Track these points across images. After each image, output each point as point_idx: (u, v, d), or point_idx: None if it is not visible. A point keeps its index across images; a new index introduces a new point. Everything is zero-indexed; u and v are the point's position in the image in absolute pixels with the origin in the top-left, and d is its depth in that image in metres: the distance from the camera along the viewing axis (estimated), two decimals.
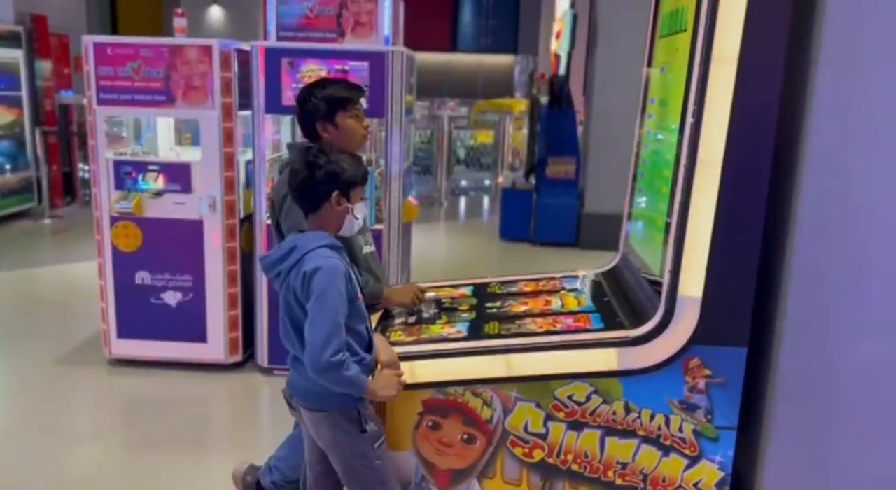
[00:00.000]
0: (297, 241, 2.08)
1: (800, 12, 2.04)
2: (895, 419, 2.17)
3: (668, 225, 2.24)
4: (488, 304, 2.67)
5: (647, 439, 2.26)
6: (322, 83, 2.57)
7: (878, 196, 2.06)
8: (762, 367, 2.26)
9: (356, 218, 2.13)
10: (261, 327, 4.27)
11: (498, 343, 2.28)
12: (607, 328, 2.33)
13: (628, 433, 2.26)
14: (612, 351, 2.22)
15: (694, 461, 2.27)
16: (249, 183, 4.32)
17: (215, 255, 4.21)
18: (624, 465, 2.28)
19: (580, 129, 7.97)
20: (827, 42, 2.00)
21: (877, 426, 2.18)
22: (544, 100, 7.60)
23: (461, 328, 2.44)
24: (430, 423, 2.31)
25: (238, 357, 4.38)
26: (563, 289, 2.79)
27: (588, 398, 2.25)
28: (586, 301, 2.61)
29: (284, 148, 2.67)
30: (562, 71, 7.96)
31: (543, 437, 2.29)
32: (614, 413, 2.26)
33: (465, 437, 2.32)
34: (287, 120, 4.51)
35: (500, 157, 10.42)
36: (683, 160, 2.12)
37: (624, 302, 2.50)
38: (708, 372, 2.23)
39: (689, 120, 2.10)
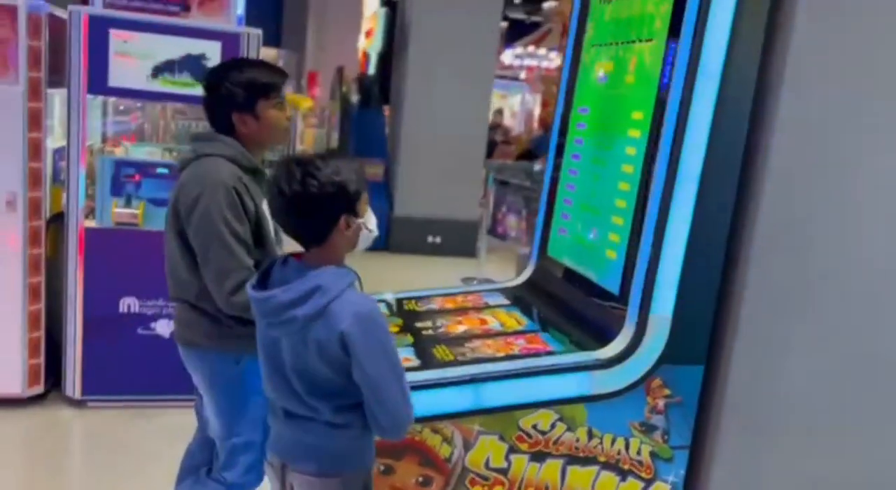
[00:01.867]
0: (319, 280, 1.62)
1: (770, 31, 2.05)
2: (833, 435, 2.28)
3: (631, 241, 2.16)
4: (419, 325, 2.40)
5: (606, 465, 2.16)
6: (237, 65, 2.13)
7: (832, 221, 2.15)
8: (713, 384, 2.25)
9: (370, 231, 1.74)
10: (73, 351, 3.54)
11: (463, 372, 2.04)
12: (568, 350, 2.19)
13: (589, 460, 2.14)
14: (582, 375, 2.08)
15: (649, 483, 2.21)
16: (57, 177, 3.58)
17: (12, 264, 3.41)
18: None
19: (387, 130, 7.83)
20: (790, 68, 2.03)
21: (817, 440, 2.28)
22: (355, 99, 7.33)
23: (408, 354, 2.15)
24: (381, 468, 2.01)
25: (39, 388, 3.60)
26: (488, 305, 2.60)
27: (553, 426, 2.10)
28: (524, 319, 2.45)
29: (189, 140, 2.17)
30: (371, 70, 7.75)
31: (505, 472, 2.09)
32: (577, 440, 2.12)
33: (421, 479, 2.05)
34: (97, 103, 3.81)
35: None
36: (658, 176, 2.04)
37: (568, 320, 2.38)
38: (668, 392, 2.18)
39: (666, 134, 2.03)
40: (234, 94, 2.06)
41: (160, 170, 3.51)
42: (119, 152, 3.84)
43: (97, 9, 3.36)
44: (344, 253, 1.73)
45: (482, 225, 6.57)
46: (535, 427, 2.08)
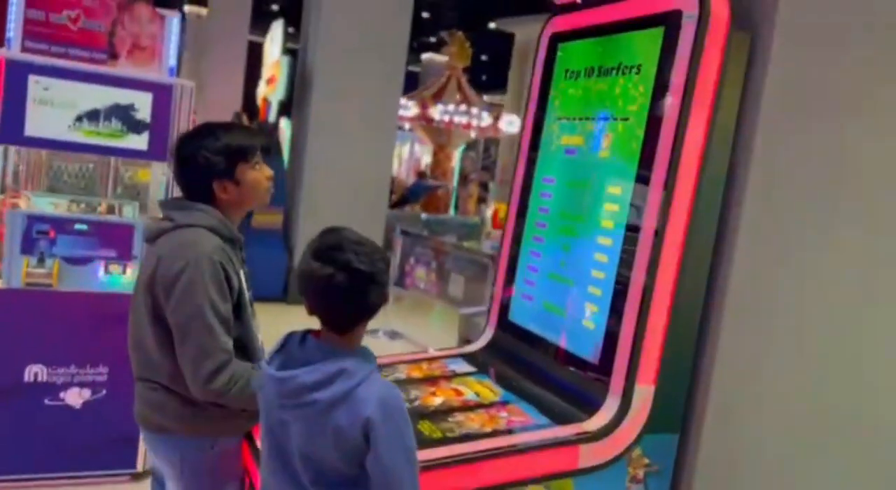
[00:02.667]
0: (344, 363, 1.54)
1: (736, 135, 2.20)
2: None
3: (611, 312, 2.21)
4: None
5: None
6: (211, 132, 2.01)
7: (791, 300, 2.30)
8: (686, 451, 2.32)
9: None
10: None
11: (457, 451, 1.98)
12: (551, 422, 2.19)
13: None
14: (573, 449, 2.09)
15: None
16: None
17: None
18: None
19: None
20: (753, 172, 2.18)
21: None
22: None
23: None
24: None
25: None
26: (456, 373, 2.56)
27: None
28: (498, 389, 2.43)
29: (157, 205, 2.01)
30: (272, 118, 7.58)
31: None
32: None
33: None
34: None
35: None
36: (642, 251, 2.11)
37: (544, 389, 2.38)
38: (647, 461, 2.22)
39: (650, 211, 2.11)
40: (212, 162, 1.94)
41: (78, 226, 3.24)
42: (22, 204, 3.53)
43: (15, 52, 3.10)
44: (360, 341, 1.66)
45: (389, 277, 6.50)
46: None
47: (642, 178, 2.16)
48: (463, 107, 10.69)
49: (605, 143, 2.34)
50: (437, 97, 10.64)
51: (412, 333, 6.45)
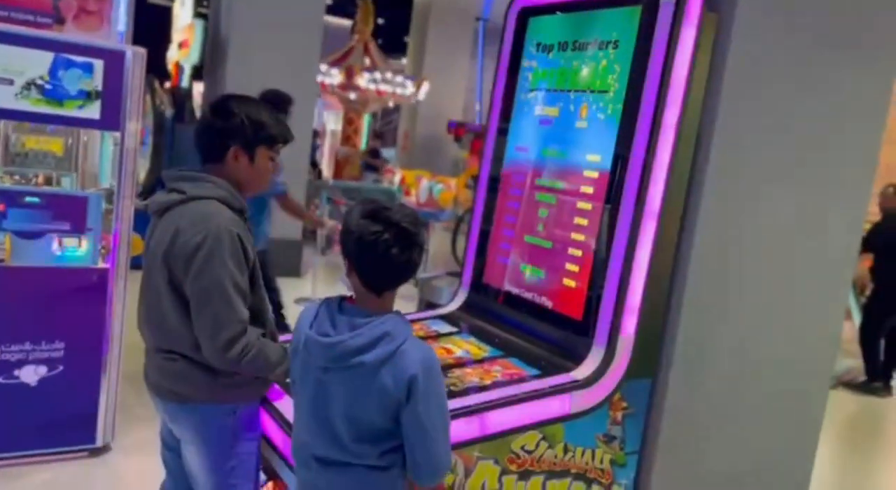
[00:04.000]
0: (387, 326, 1.63)
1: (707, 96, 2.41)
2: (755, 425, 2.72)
3: (593, 271, 2.40)
4: None
5: (576, 476, 2.37)
6: (255, 103, 2.04)
7: (749, 252, 2.57)
8: (657, 393, 2.56)
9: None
10: None
11: (465, 403, 2.13)
12: (542, 373, 2.37)
13: (564, 473, 2.34)
14: (564, 397, 2.28)
15: (608, 488, 2.46)
16: None
17: None
18: None
19: None
20: (719, 124, 2.41)
21: (740, 432, 2.70)
22: (169, 113, 6.89)
23: None
24: None
25: None
26: (440, 333, 2.70)
27: (537, 446, 2.27)
28: (484, 346, 2.58)
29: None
30: (185, 83, 7.32)
31: None
32: (555, 456, 2.31)
33: None
34: None
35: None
36: (625, 213, 2.31)
37: (529, 344, 2.56)
38: (625, 404, 2.45)
39: (632, 177, 2.30)
40: (244, 127, 1.97)
41: (29, 199, 3.13)
42: None
43: None
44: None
45: (318, 246, 6.53)
46: (523, 448, 2.23)
47: (623, 147, 2.34)
48: (389, 75, 10.63)
49: (583, 114, 2.51)
50: (344, 61, 10.51)
51: None
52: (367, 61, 10.88)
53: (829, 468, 4.09)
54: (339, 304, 1.74)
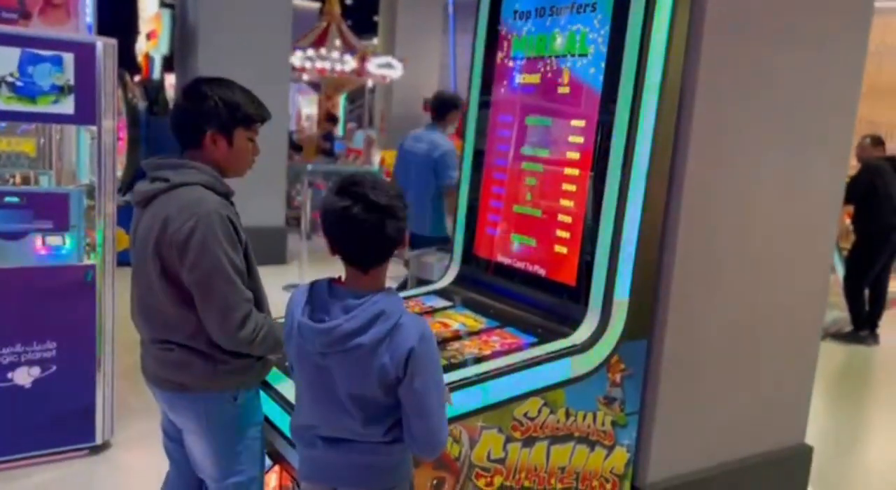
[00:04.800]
0: (380, 305, 1.61)
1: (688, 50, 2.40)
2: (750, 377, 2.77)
3: (584, 237, 2.41)
4: None
5: (579, 440, 2.40)
6: (228, 85, 2.00)
7: (733, 219, 2.58)
8: (654, 353, 2.58)
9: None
10: None
11: (467, 374, 2.14)
12: (540, 341, 2.38)
13: (567, 438, 2.37)
14: (564, 361, 2.29)
15: (611, 450, 2.50)
16: None
17: None
18: (563, 469, 2.38)
19: None
20: (701, 84, 2.41)
21: (737, 385, 2.74)
22: (143, 106, 6.79)
23: None
24: None
25: None
26: (435, 308, 2.70)
27: (539, 412, 2.29)
28: (480, 318, 2.59)
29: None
30: (156, 74, 7.20)
31: (503, 461, 2.24)
32: (558, 421, 2.33)
33: (435, 482, 2.12)
34: None
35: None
36: (612, 178, 2.31)
37: (523, 312, 2.57)
38: (623, 366, 2.47)
39: (617, 141, 2.30)
40: (218, 110, 1.94)
41: (9, 199, 3.08)
42: None
43: None
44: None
45: (302, 231, 6.49)
46: (525, 415, 2.25)
47: (607, 110, 2.34)
48: (387, 58, 10.58)
49: (565, 80, 2.50)
50: (319, 45, 10.40)
51: None
52: (340, 43, 10.76)
53: (823, 417, 4.16)
54: (328, 287, 1.72)
